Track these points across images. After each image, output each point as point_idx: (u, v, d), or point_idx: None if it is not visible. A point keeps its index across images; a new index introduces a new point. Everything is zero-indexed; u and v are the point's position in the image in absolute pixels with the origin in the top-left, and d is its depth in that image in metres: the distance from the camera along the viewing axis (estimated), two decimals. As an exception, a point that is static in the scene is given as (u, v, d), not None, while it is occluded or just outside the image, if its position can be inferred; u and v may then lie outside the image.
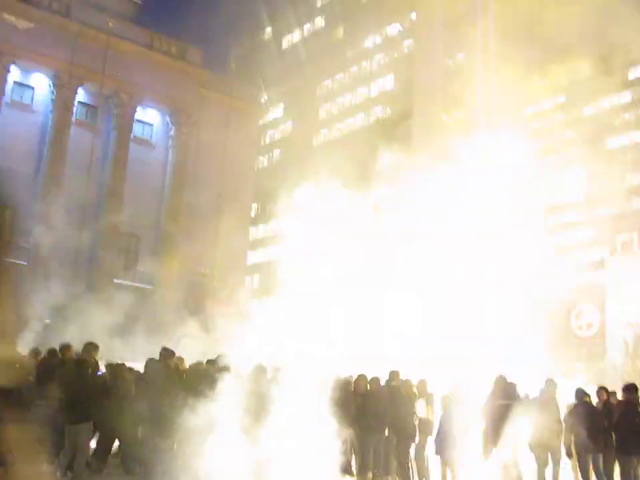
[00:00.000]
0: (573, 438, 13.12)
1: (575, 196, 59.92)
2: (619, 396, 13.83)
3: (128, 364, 14.55)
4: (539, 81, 29.30)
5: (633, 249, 37.65)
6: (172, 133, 45.15)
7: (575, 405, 13.43)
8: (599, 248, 54.23)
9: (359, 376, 13.35)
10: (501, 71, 28.61)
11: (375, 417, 12.45)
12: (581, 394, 13.64)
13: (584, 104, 56.92)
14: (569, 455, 13.63)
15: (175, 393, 11.21)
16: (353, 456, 13.11)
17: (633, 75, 59.97)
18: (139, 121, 44.26)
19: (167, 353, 12.42)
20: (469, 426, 11.95)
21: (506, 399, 12.09)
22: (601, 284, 44.76)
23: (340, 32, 72.09)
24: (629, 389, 12.83)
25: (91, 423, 11.11)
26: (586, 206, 58.33)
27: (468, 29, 62.55)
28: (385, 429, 12.83)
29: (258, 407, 10.77)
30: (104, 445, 12.65)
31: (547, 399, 13.37)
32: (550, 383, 14.12)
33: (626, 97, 60.71)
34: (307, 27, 76.15)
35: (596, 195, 56.69)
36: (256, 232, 72.10)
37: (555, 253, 47.70)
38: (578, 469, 13.82)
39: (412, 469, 13.05)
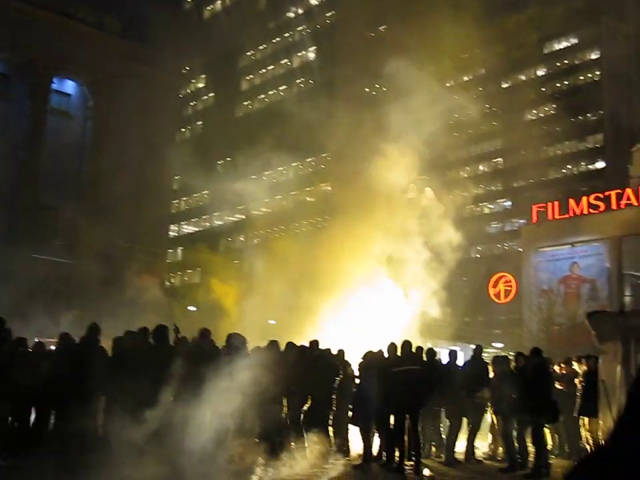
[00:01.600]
0: (493, 403, 13.53)
1: (493, 167, 61.29)
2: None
3: (47, 339, 14.38)
4: (459, 55, 29.73)
5: (547, 218, 38.63)
6: (90, 104, 44.21)
7: (494, 371, 13.84)
8: (516, 217, 55.70)
9: (287, 344, 13.43)
10: (423, 44, 28.87)
11: (295, 383, 12.54)
12: (501, 360, 14.09)
13: (502, 78, 58.07)
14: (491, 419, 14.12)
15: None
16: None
17: (547, 49, 61.42)
18: (55, 91, 43.18)
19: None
20: (384, 392, 12.16)
21: (413, 364, 12.34)
22: (517, 252, 45.94)
23: (262, 2, 71.59)
24: (535, 353, 13.32)
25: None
26: (504, 177, 59.74)
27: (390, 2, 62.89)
28: (306, 395, 12.92)
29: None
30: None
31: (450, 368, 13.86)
32: (452, 353, 14.61)
33: (542, 70, 62.21)
34: (229, -4, 75.47)
35: (514, 166, 58.07)
36: (178, 205, 71.51)
37: (474, 223, 48.70)
38: (496, 435, 14.28)
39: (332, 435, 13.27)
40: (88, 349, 11.66)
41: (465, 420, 13.85)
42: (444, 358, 15.13)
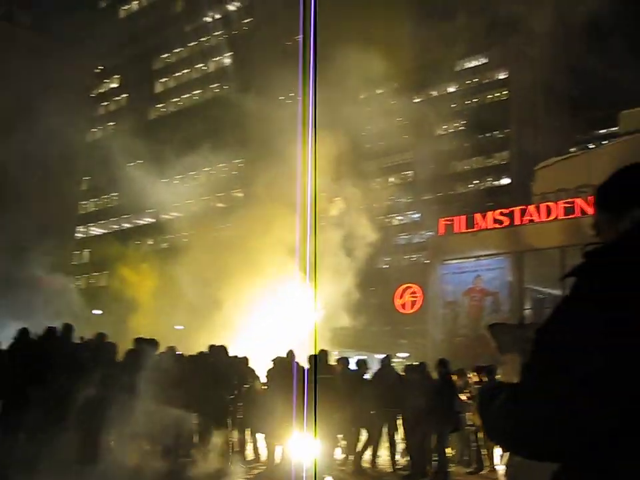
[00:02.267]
0: (398, 413, 13.75)
1: (403, 180, 62.34)
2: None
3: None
4: (375, 67, 30.23)
5: (453, 231, 39.55)
6: (-2, 99, 43.12)
7: (401, 381, 14.08)
8: (424, 230, 56.72)
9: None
10: (337, 55, 29.26)
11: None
12: (412, 369, 14.32)
13: (415, 92, 59.17)
14: (391, 431, 14.33)
15: None
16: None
17: (458, 67, 63.00)
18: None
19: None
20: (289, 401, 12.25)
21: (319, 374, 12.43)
22: (423, 264, 46.81)
23: (179, 5, 71.07)
24: (441, 364, 13.67)
25: None
26: (413, 191, 60.82)
27: (307, 10, 63.34)
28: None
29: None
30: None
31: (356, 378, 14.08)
32: (360, 362, 14.83)
33: (452, 87, 63.74)
34: (145, -3, 74.64)
35: (423, 179, 59.20)
36: (87, 206, 70.21)
37: (382, 234, 49.39)
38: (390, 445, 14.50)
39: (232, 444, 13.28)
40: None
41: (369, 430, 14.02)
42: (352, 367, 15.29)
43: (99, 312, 43.16)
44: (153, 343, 12.48)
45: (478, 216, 38.89)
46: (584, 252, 1.67)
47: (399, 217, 62.93)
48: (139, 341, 12.75)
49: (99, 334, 12.96)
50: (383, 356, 15.66)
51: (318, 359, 12.66)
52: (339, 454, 14.58)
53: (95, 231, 71.12)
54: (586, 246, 1.71)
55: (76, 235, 67.84)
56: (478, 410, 1.84)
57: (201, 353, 13.52)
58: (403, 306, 40.51)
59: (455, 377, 14.88)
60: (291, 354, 12.85)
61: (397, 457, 14.39)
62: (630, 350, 1.45)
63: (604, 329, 1.47)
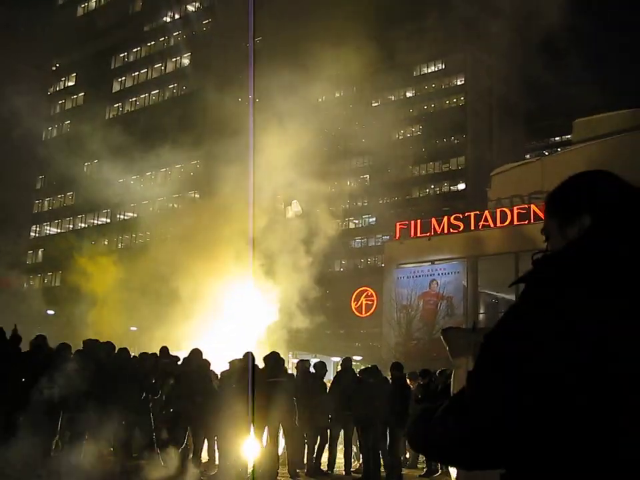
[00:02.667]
0: (348, 415, 13.79)
1: (360, 183, 62.63)
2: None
3: None
4: (332, 71, 30.32)
5: (409, 235, 39.85)
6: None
7: (352, 384, 14.12)
8: (380, 233, 57.04)
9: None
10: (297, 57, 29.32)
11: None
12: (370, 372, 14.36)
13: (373, 97, 59.51)
14: (347, 434, 14.36)
15: None
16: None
17: (416, 72, 63.52)
18: None
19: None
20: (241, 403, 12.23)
21: (273, 376, 12.45)
22: (379, 268, 47.07)
23: (138, 4, 70.55)
24: (395, 367, 13.78)
25: None
26: (370, 194, 61.13)
27: (267, 14, 63.25)
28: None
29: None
30: None
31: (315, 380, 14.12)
32: (319, 364, 14.86)
33: (410, 92, 64.23)
34: (103, -5, 73.94)
35: (380, 183, 59.54)
36: (41, 204, 69.29)
37: (339, 237, 49.57)
38: (347, 446, 14.55)
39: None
40: None
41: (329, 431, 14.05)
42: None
43: (52, 312, 42.61)
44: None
45: (434, 220, 39.24)
46: (532, 259, 1.70)
47: (355, 221, 63.21)
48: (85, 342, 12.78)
49: (40, 336, 12.78)
50: (338, 359, 15.73)
51: (273, 361, 12.68)
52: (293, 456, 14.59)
53: (50, 230, 70.22)
54: (535, 253, 1.74)
55: (30, 233, 66.98)
56: (411, 431, 1.77)
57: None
58: (358, 309, 40.74)
59: (409, 381, 14.99)
60: (248, 356, 12.82)
61: (352, 459, 14.45)
62: (575, 354, 1.49)
63: (550, 334, 1.50)
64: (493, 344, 1.60)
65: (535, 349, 1.50)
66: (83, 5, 75.50)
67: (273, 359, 12.75)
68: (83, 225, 67.72)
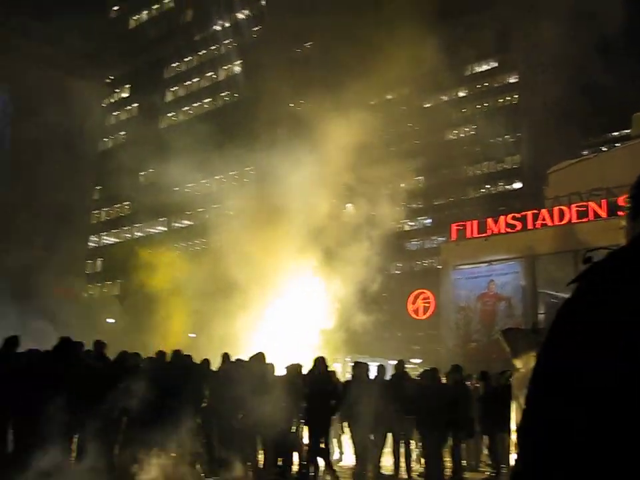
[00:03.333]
0: (410, 419, 13.66)
1: (415, 185, 62.25)
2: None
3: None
4: (384, 73, 30.20)
5: (465, 236, 39.46)
6: (11, 109, 43.35)
7: (408, 387, 13.99)
8: (436, 235, 56.65)
9: None
10: (348, 61, 29.28)
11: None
12: (427, 375, 14.20)
13: (425, 98, 59.17)
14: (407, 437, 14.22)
15: None
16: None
17: (469, 71, 62.94)
18: (-26, 96, 42.24)
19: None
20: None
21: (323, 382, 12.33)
22: (436, 269, 46.69)
23: (189, 14, 71.30)
24: (454, 370, 13.60)
25: None
26: (425, 196, 60.74)
27: (317, 17, 63.38)
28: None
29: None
30: None
31: (377, 383, 14.00)
32: (380, 368, 14.74)
33: (463, 92, 63.67)
34: (155, 7, 74.86)
35: (434, 184, 59.14)
36: (99, 215, 70.39)
37: (395, 239, 49.33)
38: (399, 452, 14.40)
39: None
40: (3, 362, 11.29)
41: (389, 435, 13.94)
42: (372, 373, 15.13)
43: (112, 320, 43.23)
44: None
45: (490, 221, 38.79)
46: (584, 257, 1.58)
47: (410, 223, 62.83)
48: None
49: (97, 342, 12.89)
50: (395, 362, 15.60)
51: (318, 364, 12.61)
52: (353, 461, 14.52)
53: (108, 239, 71.31)
54: (587, 251, 1.62)
55: (89, 243, 68.09)
56: None
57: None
58: (416, 312, 40.43)
59: (472, 382, 14.80)
60: (319, 361, 12.72)
61: (412, 463, 14.31)
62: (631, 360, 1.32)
63: (604, 339, 1.35)
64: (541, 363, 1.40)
65: (587, 360, 1.31)
66: (135, 17, 76.62)
67: (318, 363, 12.67)
68: (139, 234, 68.59)
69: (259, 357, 13.21)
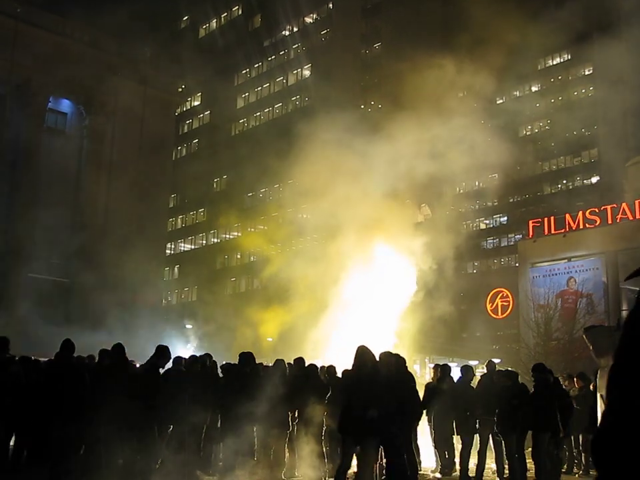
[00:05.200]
0: (483, 419, 13.44)
1: (489, 183, 61.42)
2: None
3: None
4: (453, 71, 29.87)
5: (543, 233, 38.74)
6: (86, 122, 44.30)
7: (485, 388, 13.75)
8: (512, 233, 55.85)
9: None
10: (417, 60, 29.05)
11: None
12: (495, 375, 13.95)
13: (497, 94, 58.34)
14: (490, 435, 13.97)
15: None
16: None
17: (541, 65, 61.81)
18: (51, 110, 43.28)
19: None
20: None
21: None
22: (513, 267, 45.97)
23: (257, 21, 71.93)
24: (537, 369, 13.27)
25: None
26: (500, 193, 59.88)
27: (385, 19, 63.20)
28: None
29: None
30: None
31: (463, 385, 13.79)
32: (466, 369, 14.52)
33: (535, 86, 62.57)
34: (223, 15, 75.75)
35: (509, 181, 58.26)
36: (174, 222, 71.56)
37: (471, 238, 48.77)
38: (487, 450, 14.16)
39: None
40: (60, 365, 11.31)
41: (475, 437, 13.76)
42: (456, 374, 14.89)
43: (190, 326, 43.80)
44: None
45: (568, 216, 38.03)
46: None
47: (486, 221, 62.05)
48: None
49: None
50: (475, 362, 15.36)
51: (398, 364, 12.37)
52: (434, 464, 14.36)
53: (184, 246, 72.46)
54: None
55: (166, 251, 69.29)
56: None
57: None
58: (494, 311, 39.86)
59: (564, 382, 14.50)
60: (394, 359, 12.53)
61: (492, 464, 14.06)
62: None
63: None
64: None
65: None
66: (204, 27, 77.67)
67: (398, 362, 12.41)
68: (215, 240, 69.50)
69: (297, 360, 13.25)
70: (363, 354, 9.98)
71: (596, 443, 1.55)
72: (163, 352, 11.36)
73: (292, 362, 13.53)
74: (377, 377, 9.92)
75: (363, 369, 9.91)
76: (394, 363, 11.34)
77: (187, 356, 13.74)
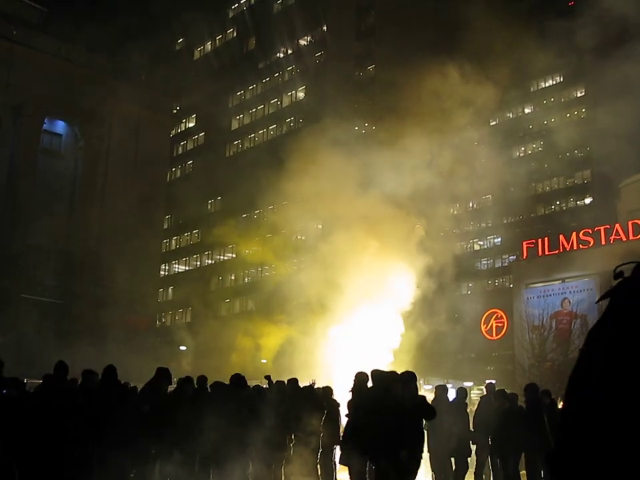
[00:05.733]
0: (480, 441, 13.41)
1: (483, 204, 61.59)
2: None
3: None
4: (448, 95, 30.07)
5: (537, 254, 38.84)
6: (81, 143, 44.39)
7: (484, 410, 13.73)
8: (506, 254, 55.90)
9: None
10: (412, 83, 29.21)
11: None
12: (494, 397, 13.91)
13: (490, 115, 58.64)
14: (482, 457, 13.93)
15: None
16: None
17: (534, 87, 62.21)
18: (46, 131, 43.37)
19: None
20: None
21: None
22: (507, 288, 46.02)
23: (251, 43, 72.26)
24: (528, 389, 13.25)
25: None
26: (494, 214, 60.02)
27: (378, 41, 63.59)
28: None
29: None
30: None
31: (458, 406, 13.75)
32: (461, 390, 14.50)
33: (528, 108, 62.93)
34: (218, 37, 76.10)
35: (503, 202, 58.39)
36: (169, 243, 71.47)
37: (465, 259, 48.87)
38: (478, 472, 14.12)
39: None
40: (51, 389, 11.14)
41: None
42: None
43: (184, 348, 43.66)
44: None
45: (562, 237, 38.15)
46: (614, 272, 1.61)
47: (480, 242, 62.12)
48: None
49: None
50: (470, 383, 15.35)
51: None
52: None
53: (178, 268, 72.31)
54: (617, 266, 1.62)
55: (160, 272, 69.15)
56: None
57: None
58: (489, 332, 39.88)
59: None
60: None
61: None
62: None
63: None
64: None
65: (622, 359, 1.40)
66: (199, 49, 77.98)
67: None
68: (209, 262, 69.40)
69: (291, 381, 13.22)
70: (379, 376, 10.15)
71: (551, 459, 1.61)
72: (164, 374, 11.33)
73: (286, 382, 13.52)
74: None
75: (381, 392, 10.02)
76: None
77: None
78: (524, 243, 40.53)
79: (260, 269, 60.68)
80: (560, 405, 15.29)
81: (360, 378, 11.25)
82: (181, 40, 78.82)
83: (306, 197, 25.34)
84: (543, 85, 62.45)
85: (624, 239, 35.26)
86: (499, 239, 60.99)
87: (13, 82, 40.28)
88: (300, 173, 26.33)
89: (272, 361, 27.73)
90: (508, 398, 13.49)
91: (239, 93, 72.48)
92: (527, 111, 62.93)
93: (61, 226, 41.70)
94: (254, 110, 71.09)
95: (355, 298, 21.82)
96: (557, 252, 37.76)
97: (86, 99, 42.27)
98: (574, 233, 37.82)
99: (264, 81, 70.19)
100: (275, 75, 69.36)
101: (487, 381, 15.43)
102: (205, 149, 72.59)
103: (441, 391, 14.03)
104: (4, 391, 11.36)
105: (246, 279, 63.97)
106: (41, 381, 12.32)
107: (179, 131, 74.76)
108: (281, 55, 69.56)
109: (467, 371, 36.19)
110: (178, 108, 67.58)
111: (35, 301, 39.21)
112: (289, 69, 68.00)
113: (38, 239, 39.64)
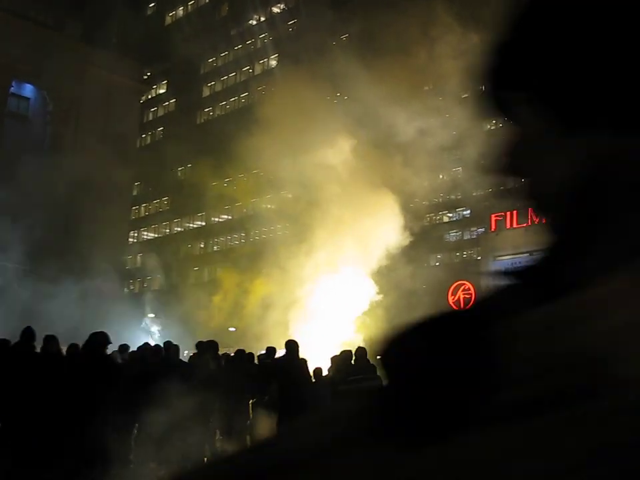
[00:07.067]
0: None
1: (453, 177, 61.78)
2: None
3: None
4: (421, 65, 30.04)
5: (505, 227, 39.10)
6: (50, 108, 43.76)
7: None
8: (475, 226, 56.20)
9: None
10: (385, 53, 29.11)
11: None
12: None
13: (462, 87, 58.63)
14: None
15: None
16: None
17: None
18: (13, 95, 42.69)
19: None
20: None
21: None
22: (476, 261, 46.36)
23: (224, 9, 71.46)
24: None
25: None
26: (463, 187, 60.25)
27: (354, 10, 63.17)
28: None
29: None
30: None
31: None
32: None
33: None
34: (190, 3, 75.18)
35: (472, 175, 58.63)
36: (138, 211, 71.02)
37: (434, 231, 49.13)
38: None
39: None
40: (20, 354, 11.06)
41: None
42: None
43: (152, 315, 43.56)
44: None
45: (531, 210, 38.39)
46: None
47: (449, 214, 62.36)
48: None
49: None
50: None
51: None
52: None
53: (147, 235, 71.91)
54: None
55: (129, 239, 68.70)
56: None
57: None
58: (456, 303, 40.15)
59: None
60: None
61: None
62: None
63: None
64: None
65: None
66: (170, 14, 76.98)
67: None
68: (179, 229, 69.07)
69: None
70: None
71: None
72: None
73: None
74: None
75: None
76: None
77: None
78: (492, 215, 40.73)
79: (229, 237, 60.52)
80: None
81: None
82: (153, 4, 77.78)
83: (276, 166, 25.23)
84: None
85: (591, 212, 35.63)
86: (468, 212, 61.27)
87: (-21, 43, 39.52)
88: (272, 142, 26.22)
89: (241, 329, 27.72)
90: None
91: (210, 60, 71.76)
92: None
93: (27, 190, 41.15)
94: (225, 77, 70.49)
95: (323, 264, 21.86)
96: (525, 225, 38.00)
97: (55, 63, 41.62)
98: (542, 207, 38.09)
99: (236, 48, 69.53)
100: (248, 43, 68.73)
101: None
102: (176, 115, 71.90)
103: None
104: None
105: (215, 247, 63.80)
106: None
107: (150, 97, 73.97)
108: (254, 22, 68.91)
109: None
110: (148, 74, 66.89)
111: (4, 266, 38.86)
112: (261, 36, 67.41)
113: (3, 205, 39.09)
